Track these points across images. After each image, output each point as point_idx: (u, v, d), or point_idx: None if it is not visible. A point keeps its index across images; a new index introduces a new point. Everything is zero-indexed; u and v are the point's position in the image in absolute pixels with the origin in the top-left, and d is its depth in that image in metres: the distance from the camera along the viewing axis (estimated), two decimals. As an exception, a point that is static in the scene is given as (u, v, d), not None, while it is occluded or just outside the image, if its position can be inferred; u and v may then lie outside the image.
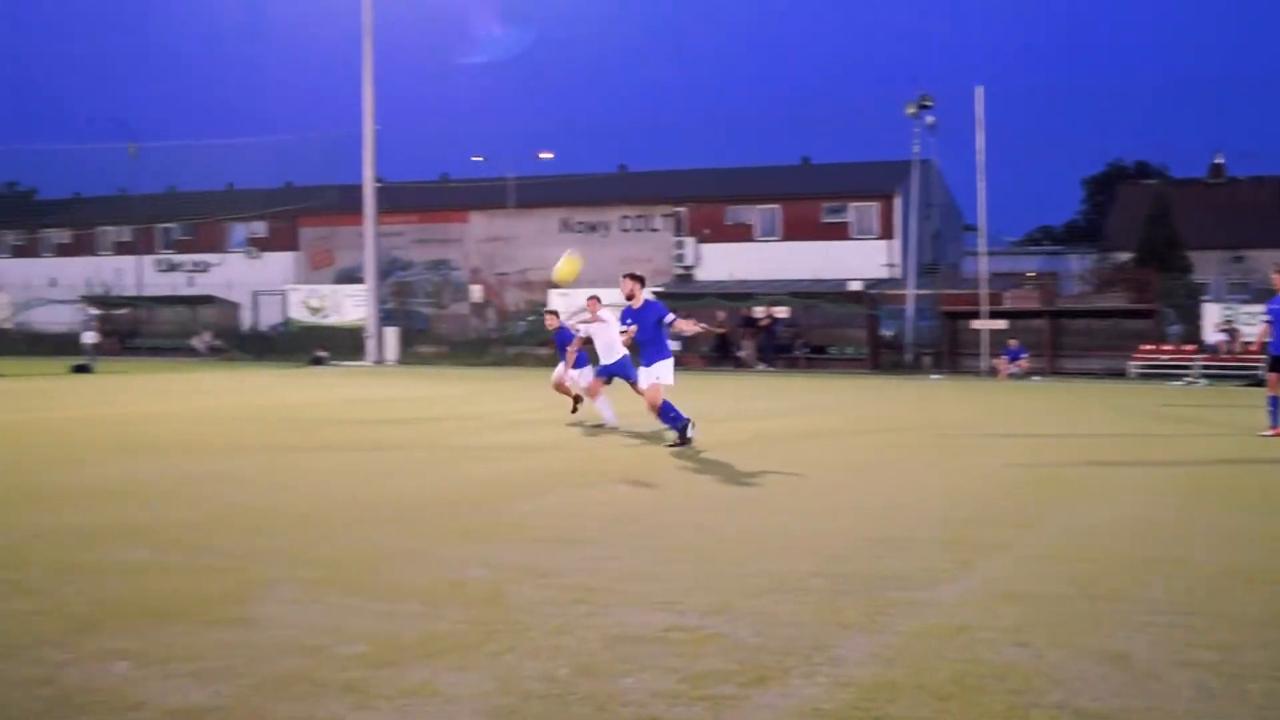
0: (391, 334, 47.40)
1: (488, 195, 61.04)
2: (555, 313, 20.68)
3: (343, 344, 48.10)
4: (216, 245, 68.23)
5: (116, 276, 66.67)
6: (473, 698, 4.66)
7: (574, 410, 18.16)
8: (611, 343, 16.61)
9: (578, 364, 17.74)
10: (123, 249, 70.25)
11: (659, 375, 14.50)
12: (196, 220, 67.67)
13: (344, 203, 56.79)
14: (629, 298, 14.95)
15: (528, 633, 5.62)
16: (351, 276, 57.66)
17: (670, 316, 14.67)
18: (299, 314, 54.15)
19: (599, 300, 17.90)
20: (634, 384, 15.62)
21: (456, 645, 5.39)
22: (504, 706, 4.56)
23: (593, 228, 59.03)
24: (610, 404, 16.68)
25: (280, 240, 66.24)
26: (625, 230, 58.33)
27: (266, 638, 5.49)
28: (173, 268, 69.09)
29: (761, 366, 42.27)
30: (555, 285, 21.88)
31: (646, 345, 14.66)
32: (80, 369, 36.38)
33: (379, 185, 47.74)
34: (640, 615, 5.96)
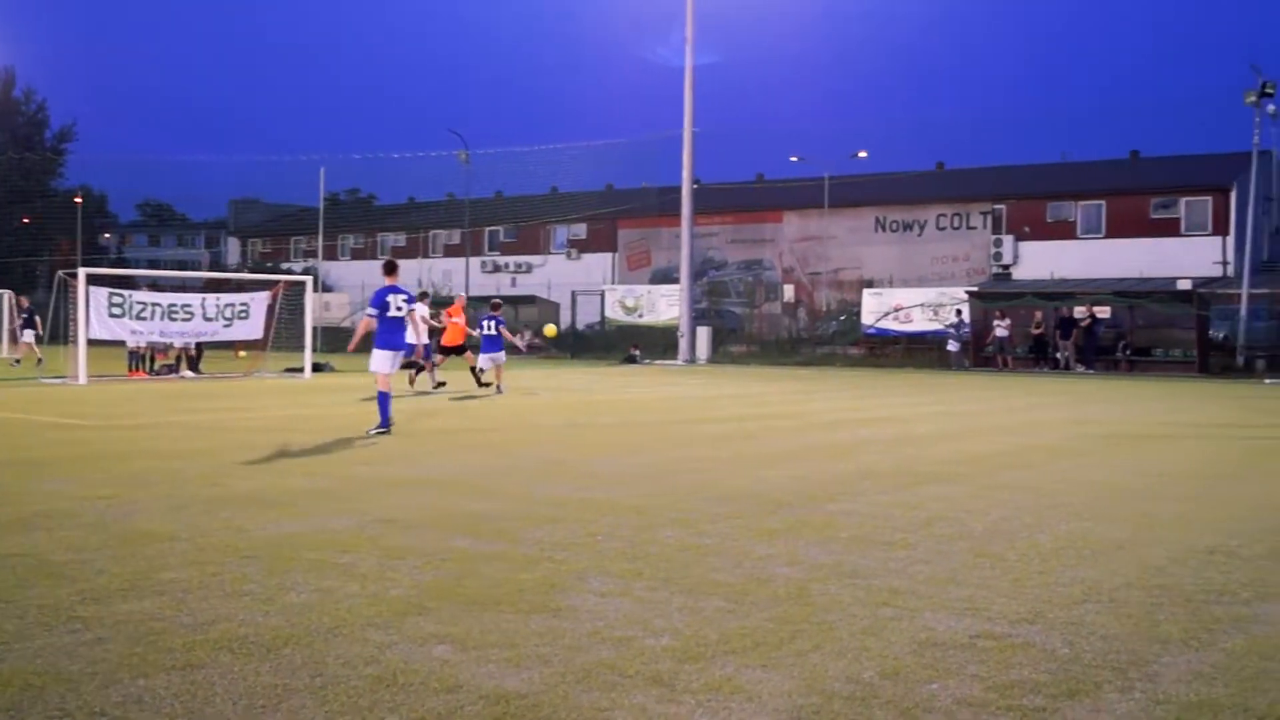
0: (703, 333, 47.93)
1: (803, 195, 60.97)
2: None
3: (656, 343, 48.97)
4: (539, 247, 70.51)
5: (445, 278, 69.76)
6: (776, 696, 4.68)
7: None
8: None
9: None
10: (451, 251, 73.45)
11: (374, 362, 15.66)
12: (521, 223, 70.14)
13: (661, 204, 57.75)
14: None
15: (833, 633, 5.60)
16: (667, 276, 58.60)
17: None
18: (615, 313, 55.46)
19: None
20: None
21: (761, 643, 5.42)
22: (807, 706, 4.57)
23: (908, 226, 58.19)
24: None
25: (599, 241, 67.92)
26: (941, 229, 57.25)
27: (577, 628, 5.66)
28: (497, 269, 71.83)
29: (1081, 368, 40.77)
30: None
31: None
32: (409, 365, 38.20)
33: (696, 186, 48.36)
34: (948, 620, 5.86)
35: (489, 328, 24.73)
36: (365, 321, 16.06)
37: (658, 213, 60.36)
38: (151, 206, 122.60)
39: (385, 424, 15.27)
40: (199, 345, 30.79)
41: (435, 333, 25.58)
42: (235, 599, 6.15)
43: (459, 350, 25.94)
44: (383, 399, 15.44)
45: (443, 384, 25.51)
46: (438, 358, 26.05)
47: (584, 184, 69.09)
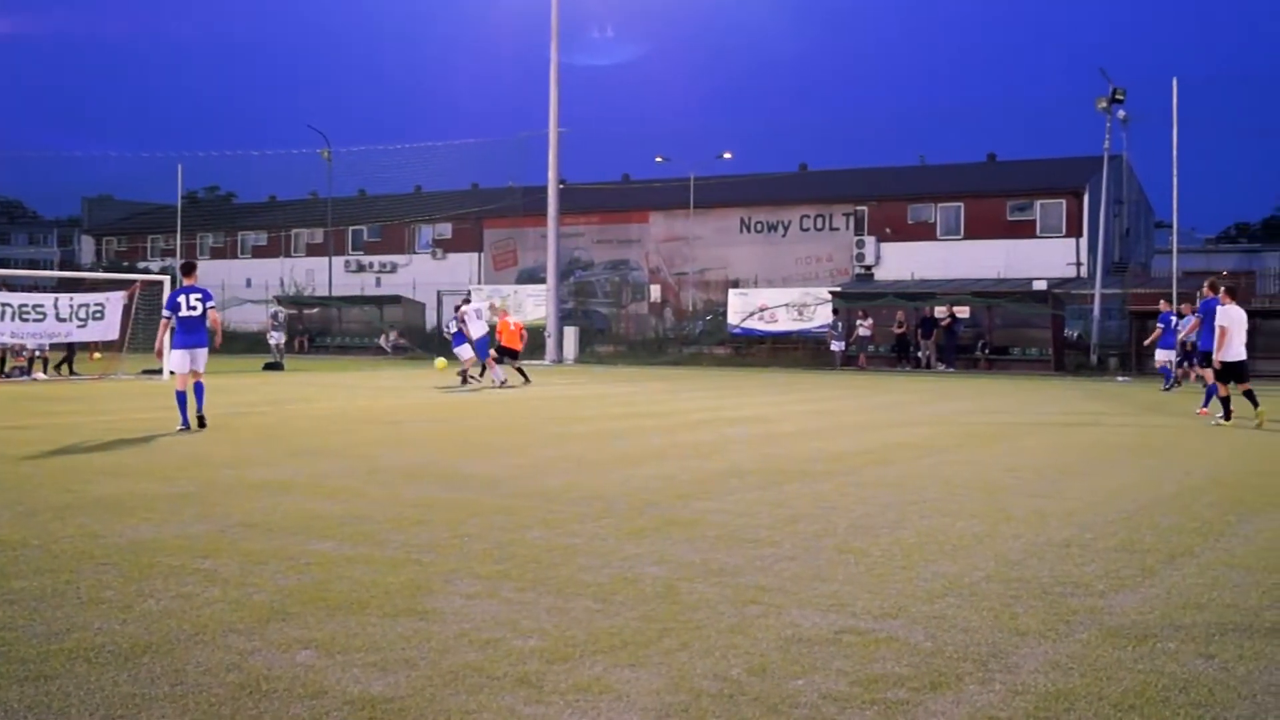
0: (571, 333, 47.94)
1: (668, 196, 61.31)
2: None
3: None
4: (404, 247, 69.88)
5: (308, 277, 68.79)
6: (644, 694, 4.69)
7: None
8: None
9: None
10: (314, 250, 72.45)
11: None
12: (385, 222, 69.45)
13: (527, 204, 57.67)
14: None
15: (701, 631, 5.63)
16: (533, 276, 58.52)
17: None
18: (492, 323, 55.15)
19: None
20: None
21: (629, 642, 5.44)
22: (675, 704, 4.58)
23: (772, 227, 58.83)
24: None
25: (465, 241, 67.53)
26: (805, 229, 57.98)
27: (444, 630, 5.61)
28: (361, 268, 71.00)
29: (941, 367, 41.64)
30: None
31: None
32: (271, 366, 37.66)
33: (562, 186, 48.32)
34: (813, 617, 5.94)
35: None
36: (164, 323, 16.67)
37: (524, 212, 60.28)
38: (0, 204, 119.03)
39: (185, 423, 15.74)
40: (70, 346, 30.06)
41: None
42: (91, 607, 5.98)
43: (514, 354, 28.58)
44: (179, 398, 15.82)
45: (505, 381, 27.79)
46: (493, 356, 28.24)
47: (449, 183, 68.69)
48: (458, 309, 29.58)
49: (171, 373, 16.66)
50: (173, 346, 16.21)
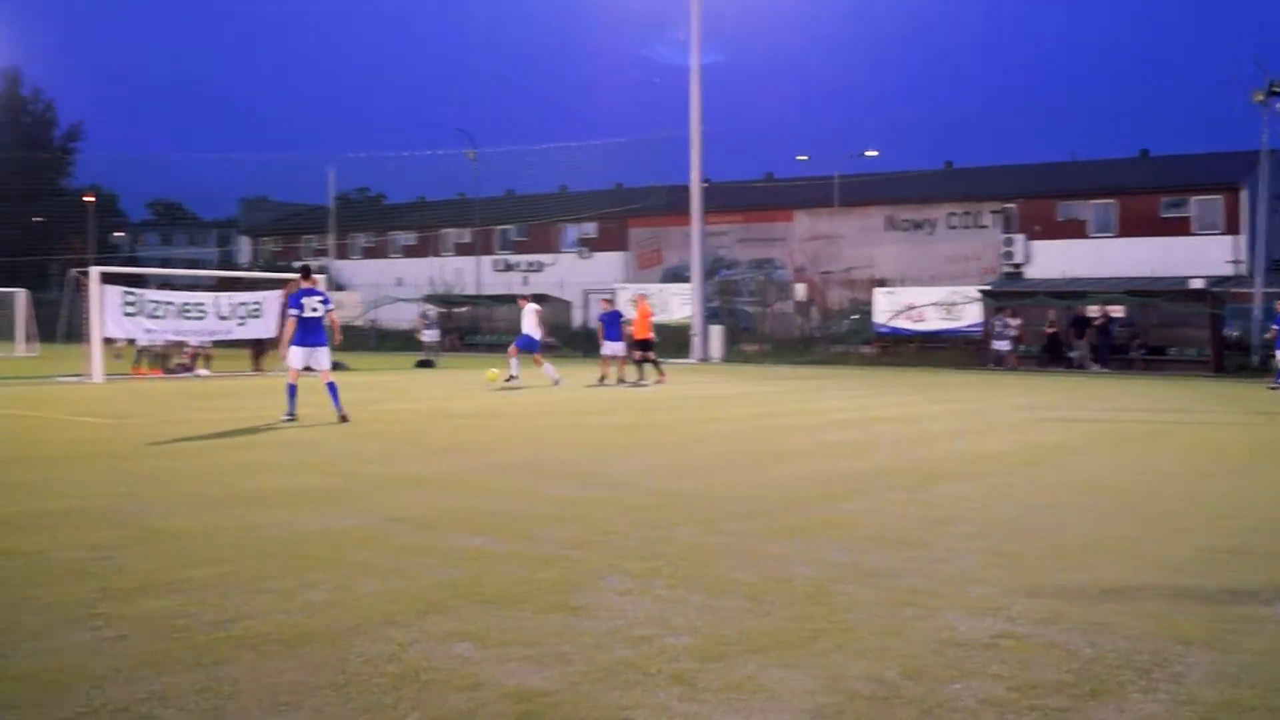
0: (716, 332, 47.86)
1: (812, 194, 60.94)
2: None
3: (668, 341, 48.92)
4: (550, 245, 70.54)
5: (457, 276, 69.82)
6: (798, 695, 4.67)
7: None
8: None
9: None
10: (463, 250, 73.53)
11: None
12: (532, 222, 70.19)
13: (672, 203, 57.73)
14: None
15: (854, 633, 5.59)
16: (678, 275, 58.59)
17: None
18: (627, 311, 55.33)
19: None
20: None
21: (782, 642, 5.41)
22: (830, 706, 4.55)
23: (918, 225, 58.15)
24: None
25: (610, 240, 67.94)
26: (952, 228, 57.20)
27: (597, 626, 5.65)
28: (509, 267, 71.86)
29: (1095, 368, 40.67)
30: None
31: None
32: (423, 364, 38.30)
33: (706, 185, 48.31)
34: (969, 620, 5.85)
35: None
36: (290, 322, 17.40)
37: (668, 211, 60.37)
38: (163, 205, 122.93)
39: (292, 413, 16.60)
40: (260, 343, 31.00)
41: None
42: (255, 596, 6.15)
43: (647, 345, 28.69)
44: (291, 390, 16.80)
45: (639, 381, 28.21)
46: (635, 354, 28.81)
47: (594, 183, 69.16)
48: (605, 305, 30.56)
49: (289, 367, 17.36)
50: (293, 344, 16.98)
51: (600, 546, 7.65)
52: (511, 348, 28.34)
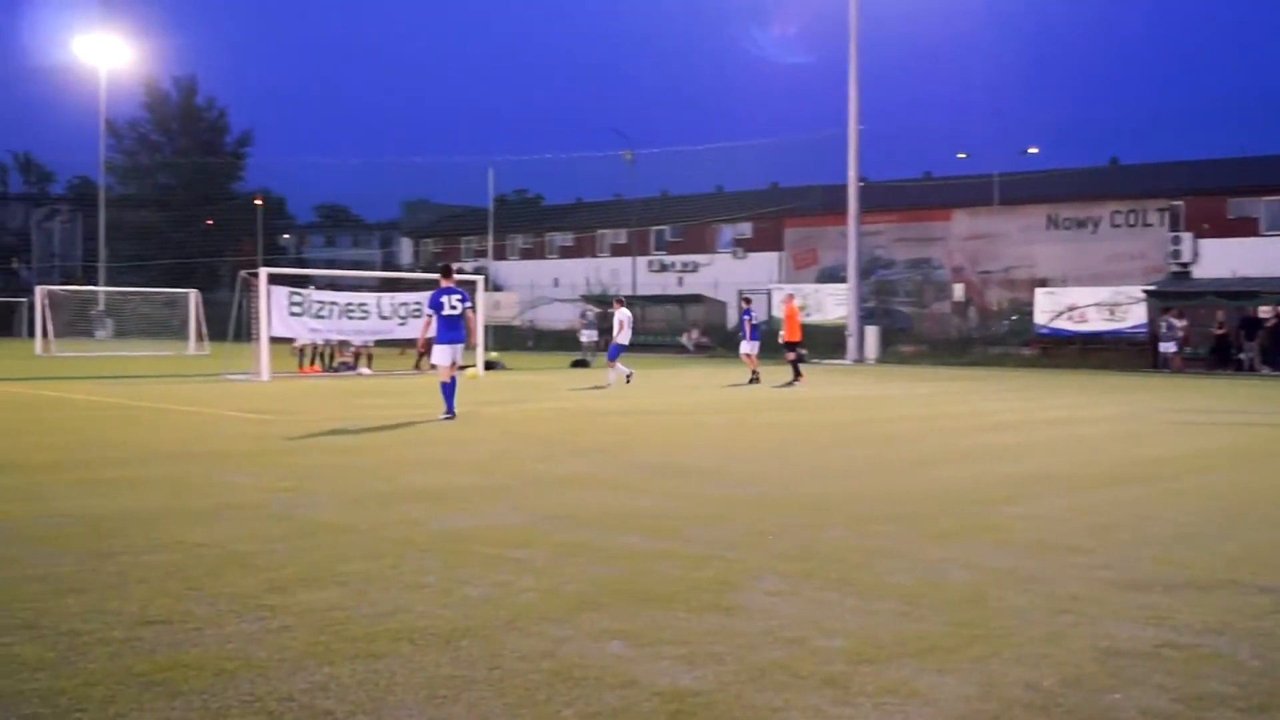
0: (872, 333, 47.46)
1: (972, 192, 60.00)
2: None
3: (823, 342, 48.62)
4: (705, 246, 70.58)
5: (613, 277, 70.31)
6: (954, 701, 4.61)
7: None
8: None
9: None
10: (618, 251, 74.02)
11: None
12: (686, 223, 70.35)
13: (828, 203, 57.34)
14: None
15: (1011, 639, 5.49)
16: (834, 275, 58.13)
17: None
18: (782, 313, 55.09)
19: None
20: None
21: (937, 647, 5.35)
22: (985, 712, 4.49)
23: (1081, 224, 56.79)
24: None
25: (765, 240, 67.71)
26: (1116, 226, 55.74)
27: (749, 627, 5.65)
28: (664, 268, 72.10)
29: (1266, 370, 39.31)
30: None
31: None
32: (578, 364, 38.66)
33: (862, 185, 47.90)
34: (1131, 629, 5.71)
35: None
36: (425, 321, 18.13)
37: (824, 211, 59.98)
38: (328, 208, 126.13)
39: (450, 411, 17.03)
40: (428, 342, 31.68)
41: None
42: (414, 591, 6.28)
43: (794, 346, 28.83)
44: (445, 389, 17.17)
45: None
46: (789, 355, 28.80)
47: (749, 183, 69.15)
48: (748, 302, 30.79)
49: (433, 365, 18.08)
50: (436, 342, 17.49)
51: (753, 547, 7.64)
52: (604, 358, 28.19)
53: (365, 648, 5.20)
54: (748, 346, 29.17)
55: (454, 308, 17.37)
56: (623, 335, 27.56)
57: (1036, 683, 4.84)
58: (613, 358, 27.08)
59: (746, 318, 29.78)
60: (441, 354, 17.37)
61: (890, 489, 10.46)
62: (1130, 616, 5.95)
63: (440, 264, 19.25)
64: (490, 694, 4.62)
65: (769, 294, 56.49)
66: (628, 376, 26.56)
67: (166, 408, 18.96)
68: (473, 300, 17.93)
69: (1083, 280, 52.33)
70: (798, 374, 28.25)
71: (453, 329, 17.38)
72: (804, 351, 28.90)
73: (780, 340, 29.46)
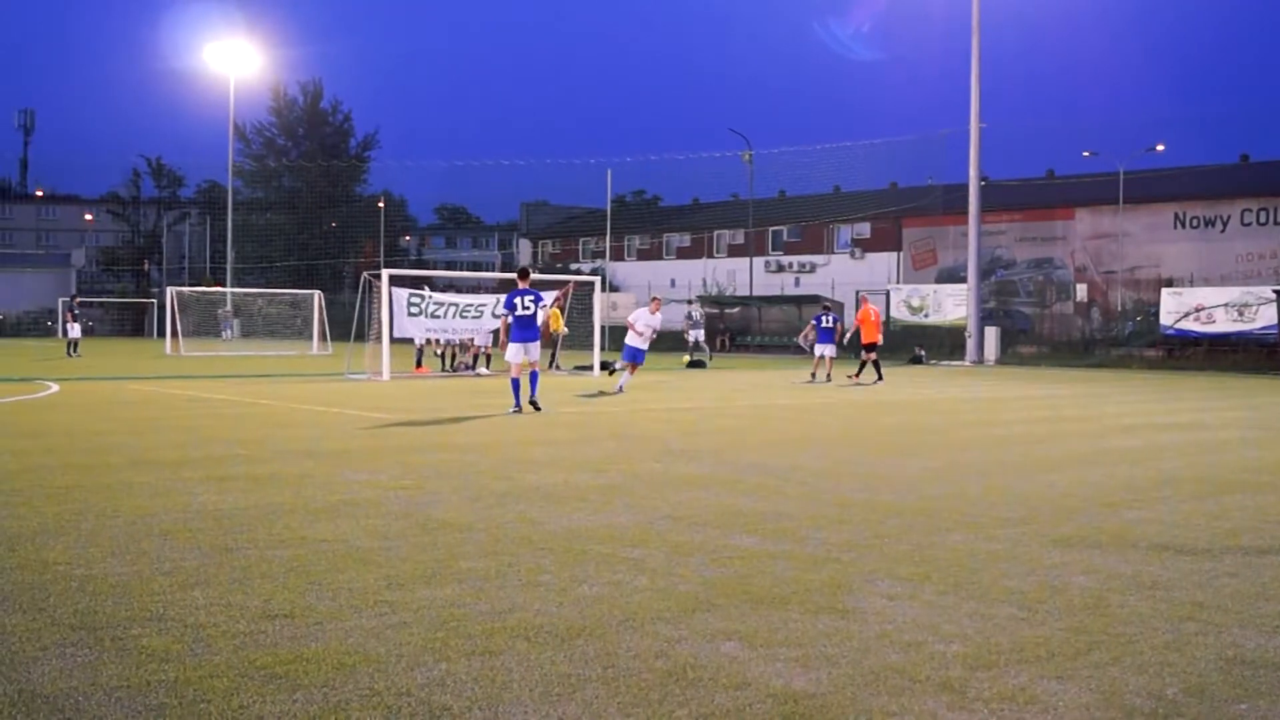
0: (991, 334, 46.80)
1: (1095, 191, 58.97)
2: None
3: (942, 343, 48.11)
4: (822, 247, 70.27)
5: (729, 277, 70.23)
6: (1073, 708, 4.54)
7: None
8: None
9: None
10: (735, 251, 73.92)
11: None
12: (804, 223, 70.03)
13: (948, 202, 56.75)
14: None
15: (1133, 646, 5.40)
16: (953, 275, 57.54)
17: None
18: (900, 313, 54.59)
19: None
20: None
21: (1056, 653, 5.27)
22: (1105, 720, 4.42)
23: (1209, 222, 55.56)
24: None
25: (883, 240, 67.23)
26: (1246, 224, 54.42)
27: (864, 630, 5.62)
28: (781, 268, 71.91)
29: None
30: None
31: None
32: (694, 364, 38.68)
33: (983, 184, 47.29)
34: (1257, 638, 5.58)
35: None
36: (503, 321, 18.87)
37: (943, 211, 59.35)
38: (448, 210, 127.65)
39: (518, 405, 17.89)
40: (554, 343, 32.04)
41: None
42: (530, 589, 6.34)
43: (872, 348, 29.15)
44: (514, 384, 18.08)
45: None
46: (868, 355, 29.16)
47: (867, 183, 68.57)
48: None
49: (505, 363, 18.72)
50: (510, 340, 18.24)
51: (869, 549, 7.60)
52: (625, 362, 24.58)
53: (482, 644, 5.27)
54: (823, 349, 29.41)
55: (527, 308, 18.23)
56: (637, 339, 24.09)
57: (1159, 692, 4.75)
58: (627, 360, 24.20)
59: (816, 322, 29.98)
60: (514, 352, 18.11)
61: (1010, 493, 10.32)
62: (1257, 625, 5.81)
63: (518, 266, 20.00)
64: (604, 693, 4.65)
65: (887, 294, 56.02)
66: (619, 387, 23.79)
67: (290, 407, 19.36)
68: (546, 300, 18.57)
69: (1211, 280, 51.15)
70: (879, 374, 28.85)
71: (525, 328, 18.16)
72: (873, 355, 29.23)
73: (859, 341, 30.00)
